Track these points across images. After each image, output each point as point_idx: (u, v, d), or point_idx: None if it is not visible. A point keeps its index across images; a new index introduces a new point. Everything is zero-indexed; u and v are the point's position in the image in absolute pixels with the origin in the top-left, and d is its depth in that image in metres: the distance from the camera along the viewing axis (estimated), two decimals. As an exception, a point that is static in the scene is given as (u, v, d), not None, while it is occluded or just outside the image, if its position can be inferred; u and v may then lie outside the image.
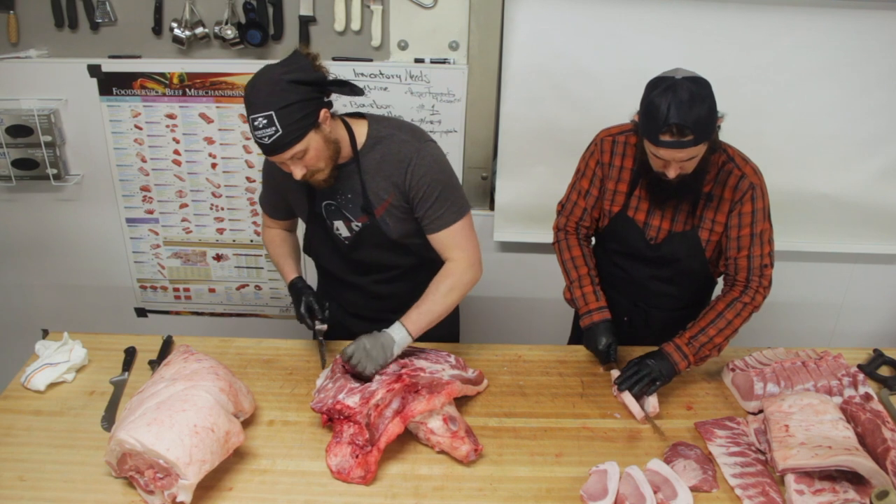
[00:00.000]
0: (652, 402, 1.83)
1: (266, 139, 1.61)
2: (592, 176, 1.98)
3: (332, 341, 2.03)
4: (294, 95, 1.61)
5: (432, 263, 1.93)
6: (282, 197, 1.97)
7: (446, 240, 1.85)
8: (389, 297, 2.01)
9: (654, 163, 1.75)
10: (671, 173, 1.72)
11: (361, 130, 1.81)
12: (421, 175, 1.78)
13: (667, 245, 1.95)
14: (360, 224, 1.87)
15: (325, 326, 1.94)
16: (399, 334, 1.79)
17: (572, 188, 2.05)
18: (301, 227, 2.07)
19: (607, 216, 2.00)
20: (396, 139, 1.80)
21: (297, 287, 1.97)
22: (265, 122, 1.59)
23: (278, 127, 1.60)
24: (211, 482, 1.55)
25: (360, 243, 1.91)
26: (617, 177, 1.94)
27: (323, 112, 1.68)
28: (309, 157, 1.68)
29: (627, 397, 1.85)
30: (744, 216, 1.84)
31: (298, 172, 1.70)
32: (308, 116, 1.64)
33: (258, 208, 2.75)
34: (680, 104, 1.60)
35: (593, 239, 2.14)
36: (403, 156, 1.78)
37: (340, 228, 1.91)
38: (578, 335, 2.27)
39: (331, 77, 1.70)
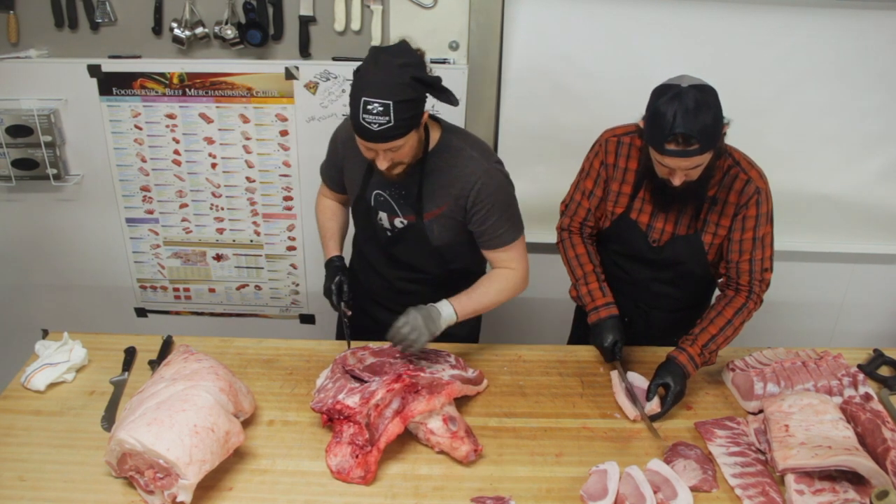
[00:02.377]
0: (652, 401, 1.83)
1: (375, 126, 1.61)
2: (596, 177, 1.97)
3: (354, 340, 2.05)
4: (413, 92, 1.62)
5: (462, 274, 1.98)
6: (340, 173, 2.00)
7: (503, 255, 1.90)
8: (411, 294, 2.03)
9: (659, 170, 1.75)
10: (676, 181, 1.72)
11: (435, 134, 1.83)
12: (487, 195, 1.81)
13: (669, 248, 1.95)
14: (405, 221, 1.90)
15: (349, 312, 1.98)
16: (445, 310, 1.83)
17: (576, 188, 2.04)
18: None
19: (609, 218, 1.99)
20: (466, 154, 1.82)
21: (334, 265, 2.00)
22: (381, 108, 1.59)
23: (392, 118, 1.60)
24: (211, 482, 1.55)
25: (400, 240, 1.94)
26: (621, 178, 1.94)
27: (425, 113, 1.71)
28: (402, 152, 1.70)
29: (621, 397, 1.86)
30: (748, 220, 1.84)
31: (385, 164, 1.71)
32: (417, 115, 1.66)
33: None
34: (686, 113, 1.59)
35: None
36: (471, 172, 1.80)
37: (383, 220, 1.93)
38: (579, 335, 2.28)
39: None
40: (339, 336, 2.28)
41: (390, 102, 1.59)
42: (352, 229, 2.14)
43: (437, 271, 2.00)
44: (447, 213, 1.85)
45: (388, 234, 1.95)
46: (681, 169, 1.69)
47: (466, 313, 1.87)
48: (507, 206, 1.86)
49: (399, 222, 1.91)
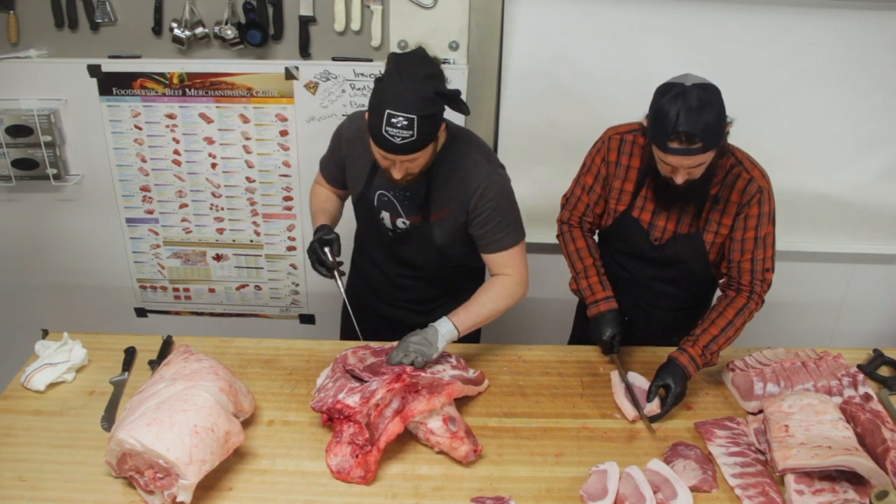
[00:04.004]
0: (653, 402, 1.83)
1: (398, 139, 1.62)
2: (597, 173, 1.98)
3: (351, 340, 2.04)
4: (436, 107, 1.64)
5: (460, 270, 1.99)
6: (341, 170, 1.99)
7: (500, 260, 1.90)
8: (410, 289, 2.06)
9: (662, 168, 1.75)
10: (679, 179, 1.72)
11: (441, 137, 1.81)
12: (489, 199, 1.82)
13: (670, 246, 1.95)
14: (408, 222, 1.90)
15: (342, 270, 1.93)
16: (444, 327, 1.83)
17: (577, 183, 2.05)
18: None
19: (612, 215, 2.00)
20: (471, 159, 1.83)
21: (321, 228, 1.95)
22: (406, 123, 1.60)
23: (415, 132, 1.61)
24: (211, 482, 1.55)
25: (404, 240, 1.94)
26: (623, 176, 1.94)
27: (442, 125, 1.72)
28: (417, 163, 1.71)
29: (620, 397, 1.86)
30: (749, 219, 1.84)
31: (400, 174, 1.72)
32: (437, 130, 1.69)
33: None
34: (689, 111, 1.60)
35: (597, 233, 2.15)
36: (474, 177, 1.81)
37: (385, 219, 1.94)
38: (579, 335, 2.28)
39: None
40: (345, 336, 2.29)
41: (415, 117, 1.60)
42: (352, 223, 2.12)
43: (437, 268, 2.01)
44: (450, 216, 1.87)
45: (391, 233, 1.95)
46: (683, 167, 1.69)
47: (466, 327, 1.86)
48: (508, 211, 1.86)
49: (401, 222, 1.91)
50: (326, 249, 1.91)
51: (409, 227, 1.91)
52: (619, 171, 1.94)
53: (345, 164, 1.96)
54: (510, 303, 1.91)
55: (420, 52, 1.69)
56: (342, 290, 1.99)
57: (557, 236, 2.12)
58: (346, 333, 2.30)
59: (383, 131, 1.62)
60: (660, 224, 1.94)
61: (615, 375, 1.93)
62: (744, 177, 1.82)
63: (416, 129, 1.61)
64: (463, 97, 2.52)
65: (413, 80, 1.62)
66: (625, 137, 1.92)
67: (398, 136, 1.61)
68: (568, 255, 2.08)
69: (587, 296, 2.03)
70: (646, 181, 1.90)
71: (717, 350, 1.88)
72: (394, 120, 1.60)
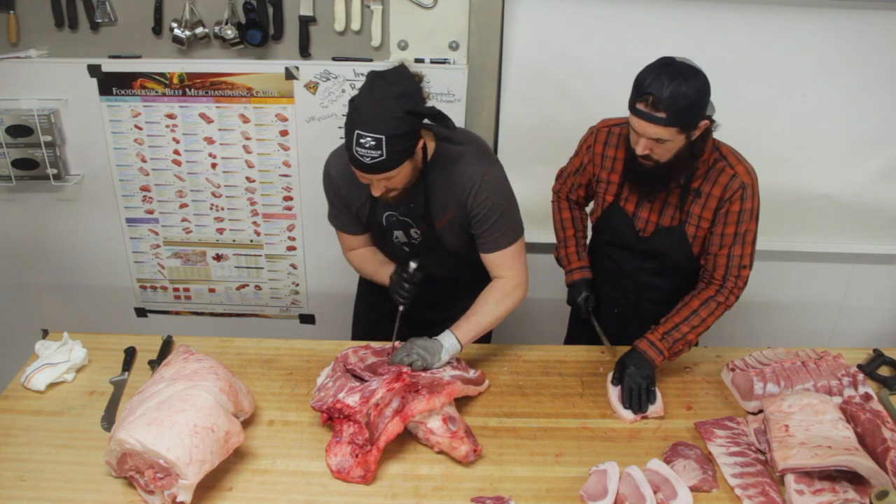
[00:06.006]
0: (656, 403, 1.83)
1: (367, 159, 1.62)
2: (582, 158, 2.05)
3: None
4: (406, 125, 1.63)
5: (476, 269, 1.98)
6: (349, 207, 1.96)
7: (498, 260, 1.91)
8: (425, 292, 2.04)
9: (632, 139, 1.78)
10: (639, 149, 1.74)
11: (430, 145, 1.82)
12: (484, 198, 1.82)
13: (654, 239, 1.98)
14: (418, 232, 1.92)
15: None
16: (448, 341, 1.84)
17: (569, 161, 2.13)
18: None
19: (601, 206, 2.03)
20: (464, 161, 1.82)
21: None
22: (373, 143, 1.60)
23: (384, 152, 1.61)
24: (211, 482, 1.56)
25: (420, 252, 1.95)
26: (610, 167, 1.97)
27: (420, 140, 1.71)
28: (395, 180, 1.71)
29: (615, 402, 1.86)
30: (730, 214, 1.85)
31: (379, 191, 1.73)
32: (411, 147, 1.67)
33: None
34: (662, 79, 1.63)
35: (591, 220, 2.18)
36: (468, 178, 1.81)
37: (399, 237, 1.95)
38: (573, 334, 2.31)
39: (430, 105, 1.70)
40: (356, 336, 2.30)
41: (382, 137, 1.59)
42: None
43: (451, 271, 2.03)
44: (454, 219, 1.87)
45: (406, 248, 1.97)
46: (646, 136, 1.71)
47: (469, 338, 1.87)
48: (505, 209, 1.86)
49: (414, 232, 1.93)
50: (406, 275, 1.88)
51: (421, 238, 1.93)
52: (606, 162, 1.98)
53: (348, 201, 1.94)
54: (511, 306, 1.92)
55: (399, 70, 1.67)
56: (396, 330, 1.94)
57: (551, 202, 2.22)
58: (357, 334, 2.31)
59: (354, 151, 1.63)
60: (643, 215, 1.96)
61: (612, 376, 1.93)
62: (727, 172, 1.83)
63: (384, 148, 1.60)
64: (463, 97, 2.54)
65: (384, 99, 1.61)
66: (612, 130, 1.96)
67: (367, 156, 1.61)
68: (554, 223, 2.19)
69: (565, 264, 2.15)
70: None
71: (681, 337, 1.89)
72: (362, 140, 1.60)
